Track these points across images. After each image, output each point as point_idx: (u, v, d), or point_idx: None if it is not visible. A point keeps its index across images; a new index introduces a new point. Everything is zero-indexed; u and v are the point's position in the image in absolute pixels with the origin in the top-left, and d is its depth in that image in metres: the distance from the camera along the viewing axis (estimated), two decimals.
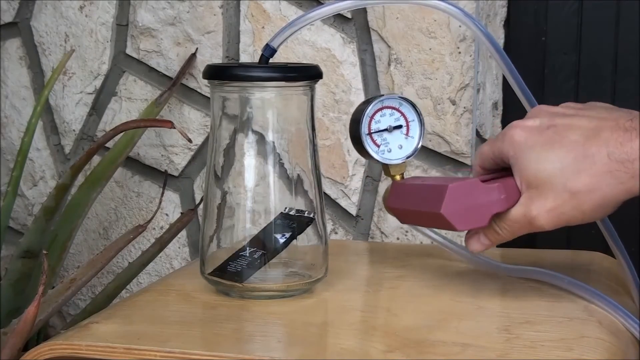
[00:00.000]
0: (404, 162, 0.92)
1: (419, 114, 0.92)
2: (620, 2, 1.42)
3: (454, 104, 1.37)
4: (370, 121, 0.91)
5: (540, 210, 0.79)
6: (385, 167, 0.92)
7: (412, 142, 0.92)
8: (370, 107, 0.90)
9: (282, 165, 0.89)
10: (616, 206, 0.78)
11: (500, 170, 0.84)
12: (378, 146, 0.91)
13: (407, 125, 0.92)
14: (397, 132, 0.92)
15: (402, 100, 0.91)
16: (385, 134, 0.91)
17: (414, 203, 0.87)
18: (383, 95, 0.92)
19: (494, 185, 0.82)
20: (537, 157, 0.79)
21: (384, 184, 1.40)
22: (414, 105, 0.91)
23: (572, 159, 0.77)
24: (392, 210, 0.90)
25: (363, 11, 1.41)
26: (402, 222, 0.91)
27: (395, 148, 0.91)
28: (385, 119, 0.91)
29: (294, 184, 0.89)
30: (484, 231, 0.83)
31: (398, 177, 0.92)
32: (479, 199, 0.82)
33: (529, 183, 0.79)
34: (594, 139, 0.77)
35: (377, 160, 0.91)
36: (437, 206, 0.82)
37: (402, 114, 0.92)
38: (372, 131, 0.91)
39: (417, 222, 0.88)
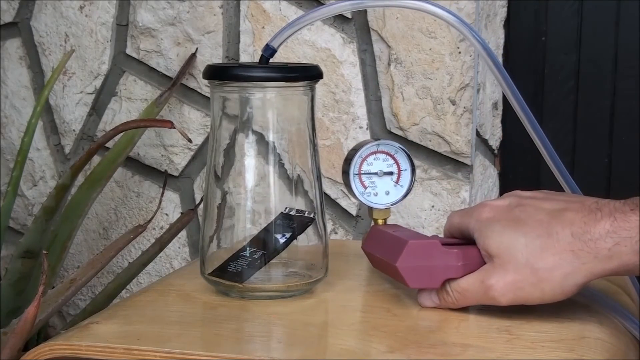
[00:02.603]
0: (388, 208, 0.92)
1: (412, 165, 0.91)
2: (620, 2, 1.42)
3: (454, 104, 1.37)
4: (362, 162, 0.91)
5: (498, 280, 0.78)
6: (370, 210, 0.92)
7: (400, 191, 0.92)
8: (364, 149, 0.90)
9: (282, 165, 0.89)
10: (577, 289, 0.77)
11: (467, 241, 0.84)
12: (365, 188, 0.91)
13: (399, 174, 0.92)
14: (387, 178, 0.91)
15: (399, 149, 0.91)
16: (375, 178, 0.91)
17: (380, 251, 0.87)
18: (380, 139, 0.92)
19: (453, 250, 0.82)
20: (501, 230, 0.79)
21: None
22: (409, 155, 0.91)
23: (536, 236, 0.77)
24: (366, 253, 0.91)
25: (363, 11, 1.41)
26: (373, 266, 0.91)
27: (382, 193, 0.91)
28: (379, 163, 0.91)
29: (294, 184, 0.89)
30: (437, 291, 0.84)
31: (380, 222, 0.92)
32: (435, 260, 0.82)
33: (491, 254, 0.79)
34: (558, 218, 0.77)
35: (361, 202, 0.91)
36: (395, 259, 0.83)
37: (396, 162, 0.91)
38: (361, 172, 0.91)
39: (383, 270, 0.89)
